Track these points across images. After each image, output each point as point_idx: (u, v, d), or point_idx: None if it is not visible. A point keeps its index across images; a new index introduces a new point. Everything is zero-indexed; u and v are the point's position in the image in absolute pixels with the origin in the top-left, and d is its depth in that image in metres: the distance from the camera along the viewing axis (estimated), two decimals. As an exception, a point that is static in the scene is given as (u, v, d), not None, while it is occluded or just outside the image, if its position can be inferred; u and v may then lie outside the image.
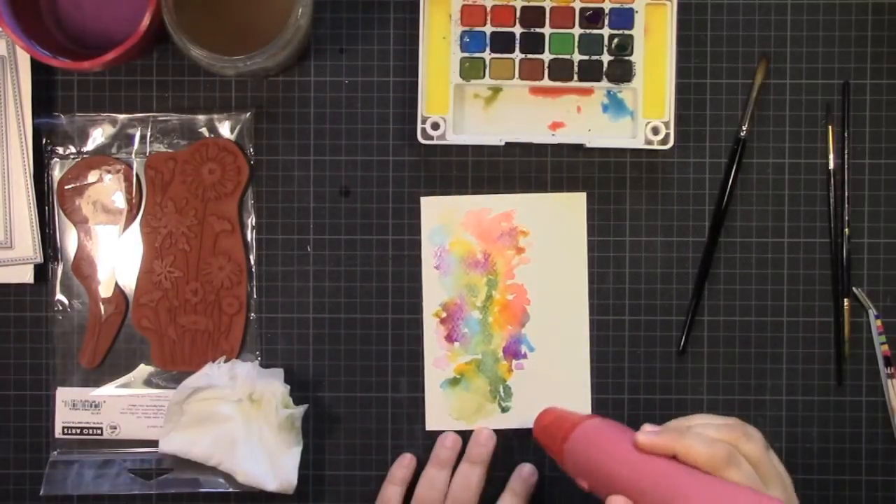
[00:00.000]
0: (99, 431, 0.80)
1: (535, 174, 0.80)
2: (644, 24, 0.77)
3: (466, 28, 0.77)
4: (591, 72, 0.77)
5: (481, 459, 0.78)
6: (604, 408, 0.79)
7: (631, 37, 0.77)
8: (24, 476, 0.80)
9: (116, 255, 0.80)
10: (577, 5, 0.77)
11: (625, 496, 0.61)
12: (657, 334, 0.80)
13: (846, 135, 0.79)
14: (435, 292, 0.80)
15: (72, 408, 0.80)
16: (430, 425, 0.80)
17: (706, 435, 0.62)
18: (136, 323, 0.80)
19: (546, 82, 0.78)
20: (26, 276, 0.79)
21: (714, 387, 0.80)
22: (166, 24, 0.71)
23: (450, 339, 0.80)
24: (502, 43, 0.77)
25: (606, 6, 0.77)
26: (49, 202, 0.80)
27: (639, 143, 0.78)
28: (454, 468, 0.78)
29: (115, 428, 0.80)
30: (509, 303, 0.80)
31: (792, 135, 0.80)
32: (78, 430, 0.80)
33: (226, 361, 0.78)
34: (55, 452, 0.80)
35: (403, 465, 0.78)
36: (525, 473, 0.78)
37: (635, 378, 0.80)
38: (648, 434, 0.62)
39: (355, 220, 0.80)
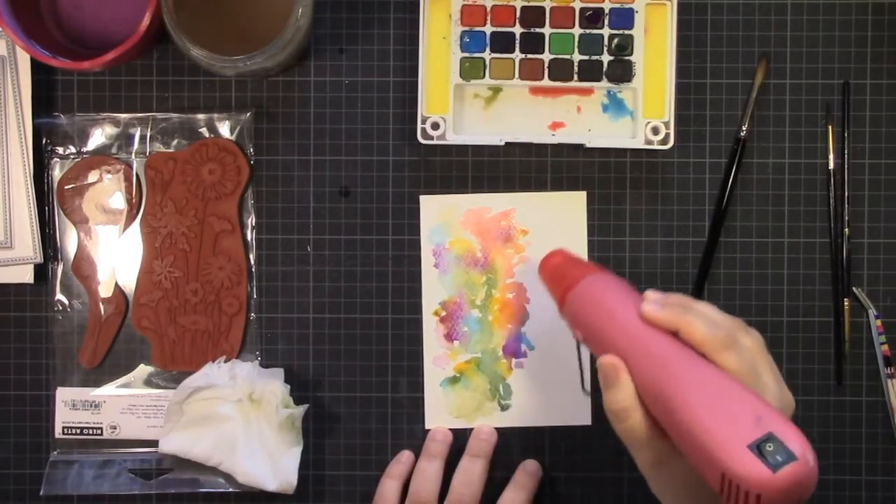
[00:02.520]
0: (99, 431, 0.80)
1: (535, 174, 0.80)
2: (644, 24, 0.77)
3: (466, 28, 0.78)
4: (591, 72, 0.77)
5: (483, 453, 0.78)
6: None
7: (631, 37, 0.77)
8: (24, 476, 0.80)
9: (116, 255, 0.80)
10: (577, 5, 0.77)
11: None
12: (657, 334, 0.80)
13: (846, 135, 0.79)
14: (434, 291, 0.80)
15: (72, 408, 0.80)
16: (430, 424, 0.80)
17: (709, 315, 0.61)
18: (136, 323, 0.80)
19: (546, 82, 0.78)
20: (26, 276, 0.79)
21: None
22: (166, 24, 0.71)
23: (449, 337, 0.80)
24: (502, 43, 0.78)
25: (606, 6, 0.77)
26: (49, 202, 0.80)
27: (639, 143, 0.78)
28: (454, 465, 0.78)
29: (115, 428, 0.80)
30: (509, 301, 0.80)
31: (792, 135, 0.80)
32: (78, 430, 0.80)
33: (226, 361, 0.78)
34: (55, 452, 0.80)
35: (401, 460, 0.79)
36: (530, 468, 0.78)
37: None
38: (654, 305, 0.61)
39: (355, 220, 0.80)
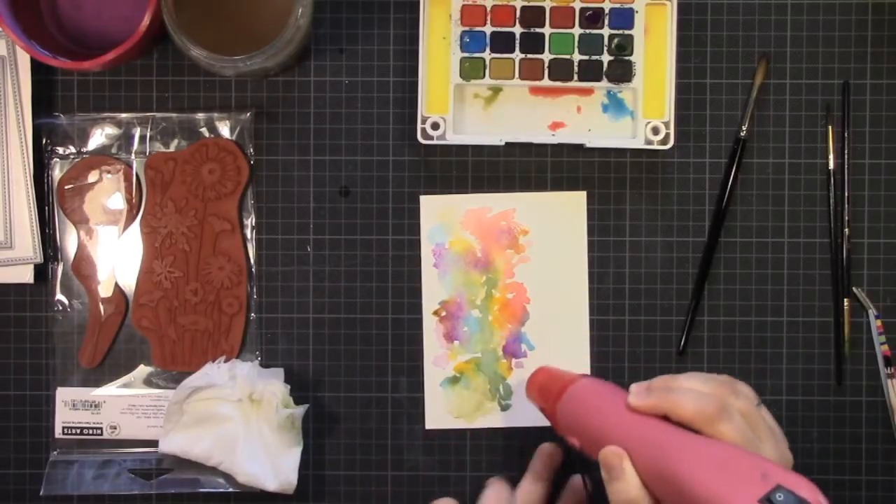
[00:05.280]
0: (99, 431, 0.80)
1: (535, 174, 0.80)
2: (644, 24, 0.77)
3: (466, 28, 0.78)
4: (591, 72, 0.77)
5: (546, 476, 0.76)
6: (604, 408, 0.79)
7: (631, 37, 0.77)
8: (24, 476, 0.80)
9: (116, 255, 0.80)
10: (577, 5, 0.77)
11: None
12: (657, 334, 0.80)
13: (846, 135, 0.79)
14: (434, 291, 0.80)
15: (72, 408, 0.80)
16: (430, 424, 0.80)
17: (695, 390, 0.61)
18: (136, 323, 0.80)
19: (546, 82, 0.78)
20: (26, 276, 0.79)
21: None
22: (166, 24, 0.71)
23: (449, 337, 0.80)
24: (502, 43, 0.78)
25: (606, 6, 0.77)
26: (49, 202, 0.80)
27: (639, 143, 0.78)
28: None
29: (115, 428, 0.80)
30: (509, 301, 0.80)
31: (792, 135, 0.80)
32: (78, 430, 0.80)
33: (226, 361, 0.78)
34: (55, 452, 0.80)
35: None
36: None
37: (635, 378, 0.79)
38: (638, 395, 0.62)
39: (355, 220, 0.80)
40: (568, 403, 0.68)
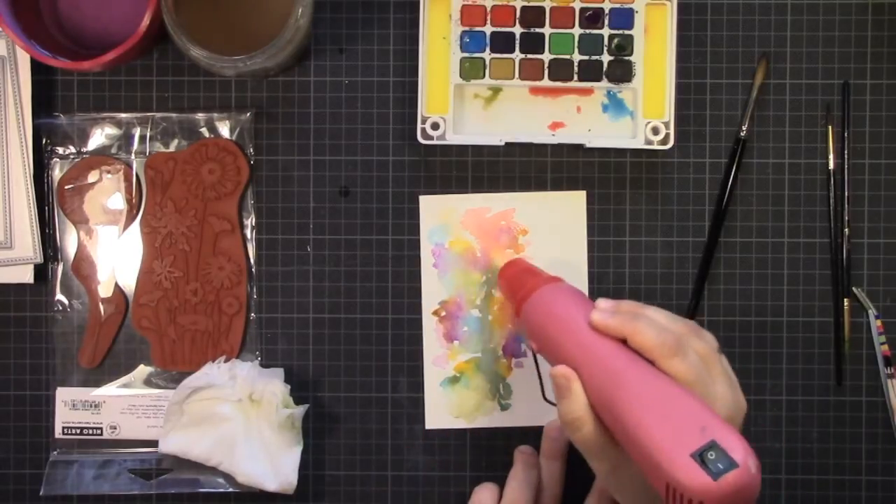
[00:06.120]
0: (99, 431, 0.80)
1: (535, 174, 0.80)
2: (644, 24, 0.77)
3: (466, 28, 0.78)
4: (591, 72, 0.77)
5: (558, 454, 0.76)
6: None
7: (631, 37, 0.77)
8: (24, 476, 0.80)
9: (116, 255, 0.80)
10: (577, 5, 0.77)
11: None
12: (657, 334, 0.80)
13: (846, 135, 0.79)
14: (434, 291, 0.80)
15: (72, 408, 0.80)
16: (430, 424, 0.80)
17: (659, 322, 0.61)
18: (136, 323, 0.80)
19: (546, 82, 0.78)
20: (26, 276, 0.79)
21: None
22: (166, 24, 0.71)
23: (449, 337, 0.80)
24: (502, 43, 0.78)
25: (606, 6, 0.77)
26: (49, 202, 0.80)
27: (639, 143, 0.78)
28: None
29: (115, 428, 0.80)
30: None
31: (792, 135, 0.80)
32: (78, 430, 0.80)
33: (226, 361, 0.78)
34: (55, 452, 0.80)
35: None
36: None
37: (635, 378, 0.80)
38: (602, 314, 0.62)
39: (355, 220, 0.80)
40: (533, 306, 0.68)
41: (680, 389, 0.58)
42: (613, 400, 0.58)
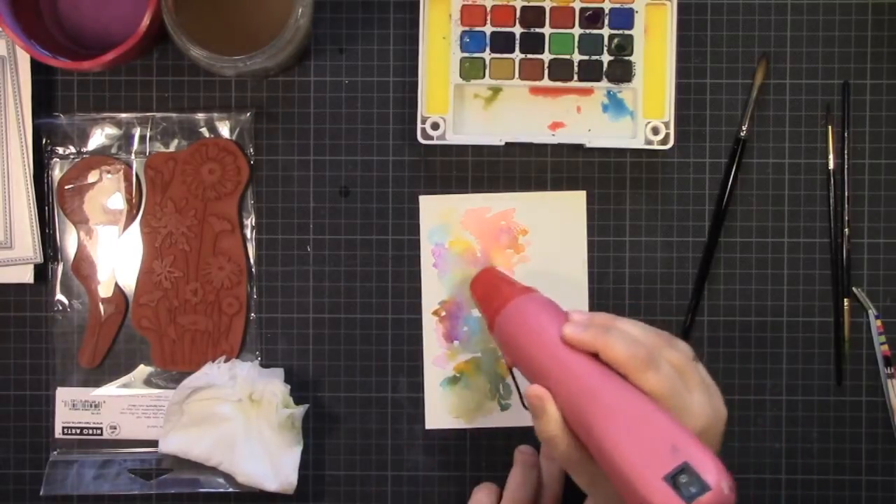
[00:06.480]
0: (99, 431, 0.80)
1: (535, 174, 0.80)
2: (644, 24, 0.77)
3: (466, 28, 0.78)
4: (591, 72, 0.77)
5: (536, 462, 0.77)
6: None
7: (631, 37, 0.77)
8: (24, 476, 0.80)
9: (116, 255, 0.80)
10: (577, 5, 0.77)
11: (542, 384, 0.61)
12: (657, 334, 0.80)
13: (846, 135, 0.79)
14: (434, 291, 0.80)
15: (72, 408, 0.80)
16: (430, 424, 0.80)
17: (630, 334, 0.61)
18: (136, 323, 0.80)
19: (546, 82, 0.78)
20: (26, 276, 0.79)
21: (714, 387, 0.80)
22: (166, 24, 0.71)
23: (449, 337, 0.80)
24: (502, 43, 0.78)
25: (606, 6, 0.77)
26: (49, 202, 0.80)
27: (639, 143, 0.78)
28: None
29: (115, 428, 0.80)
30: (509, 302, 0.80)
31: (792, 135, 0.80)
32: (78, 430, 0.80)
33: (226, 361, 0.78)
34: (55, 452, 0.80)
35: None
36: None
37: (635, 378, 0.80)
38: (575, 327, 0.61)
39: (355, 220, 0.80)
40: (507, 319, 0.67)
41: (652, 406, 0.57)
42: (586, 417, 0.58)
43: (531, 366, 0.63)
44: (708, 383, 0.63)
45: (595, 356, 0.61)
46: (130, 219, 0.79)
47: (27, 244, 0.79)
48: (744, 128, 0.79)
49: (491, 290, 0.71)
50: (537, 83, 0.78)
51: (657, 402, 0.58)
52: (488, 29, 0.77)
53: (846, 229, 0.79)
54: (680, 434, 0.55)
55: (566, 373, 0.60)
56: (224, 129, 0.79)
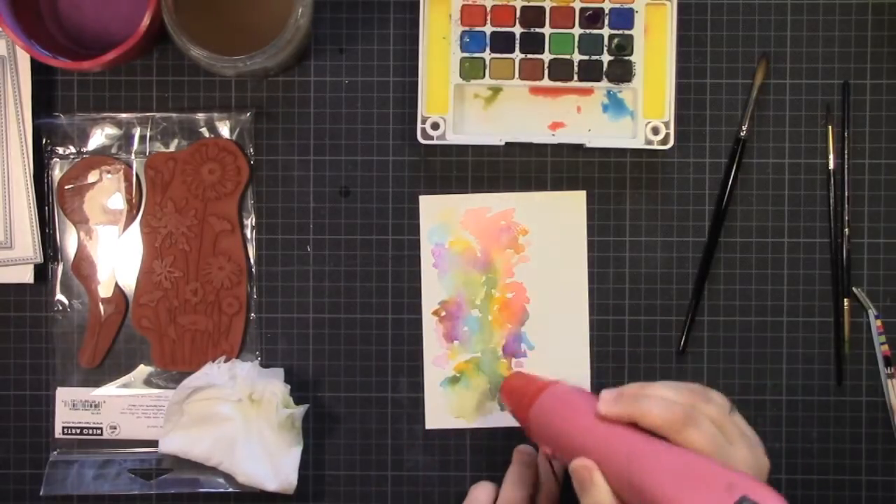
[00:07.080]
0: (99, 431, 0.80)
1: (535, 174, 0.80)
2: (644, 24, 0.77)
3: (466, 28, 0.78)
4: (591, 72, 0.77)
5: (528, 480, 0.76)
6: (604, 408, 0.79)
7: (631, 37, 0.77)
8: (24, 476, 0.80)
9: (116, 255, 0.80)
10: (577, 5, 0.77)
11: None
12: (657, 334, 0.80)
13: (846, 135, 0.79)
14: (434, 291, 0.80)
15: (72, 408, 0.80)
16: (430, 424, 0.80)
17: (663, 397, 0.61)
18: (136, 323, 0.80)
19: (546, 82, 0.78)
20: (26, 276, 0.79)
21: (714, 387, 0.79)
22: (166, 24, 0.71)
23: (449, 337, 0.80)
24: (502, 43, 0.78)
25: (606, 6, 0.77)
26: (49, 202, 0.80)
27: (639, 143, 0.78)
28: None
29: (115, 428, 0.80)
30: (509, 301, 0.80)
31: (792, 135, 0.80)
32: (78, 430, 0.80)
33: (226, 361, 0.78)
34: (55, 452, 0.80)
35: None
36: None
37: (635, 378, 0.80)
38: (607, 403, 0.62)
39: (355, 220, 0.80)
40: (539, 410, 0.68)
41: (697, 455, 0.58)
42: (634, 481, 0.58)
43: (571, 447, 0.63)
44: (748, 435, 0.63)
45: (633, 426, 0.61)
46: (130, 219, 0.80)
47: (27, 244, 0.79)
48: (744, 128, 0.79)
49: (519, 389, 0.71)
50: (537, 83, 0.78)
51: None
52: (488, 29, 0.78)
53: (846, 229, 0.79)
54: (731, 473, 0.55)
55: (608, 446, 0.61)
56: (224, 129, 0.79)
